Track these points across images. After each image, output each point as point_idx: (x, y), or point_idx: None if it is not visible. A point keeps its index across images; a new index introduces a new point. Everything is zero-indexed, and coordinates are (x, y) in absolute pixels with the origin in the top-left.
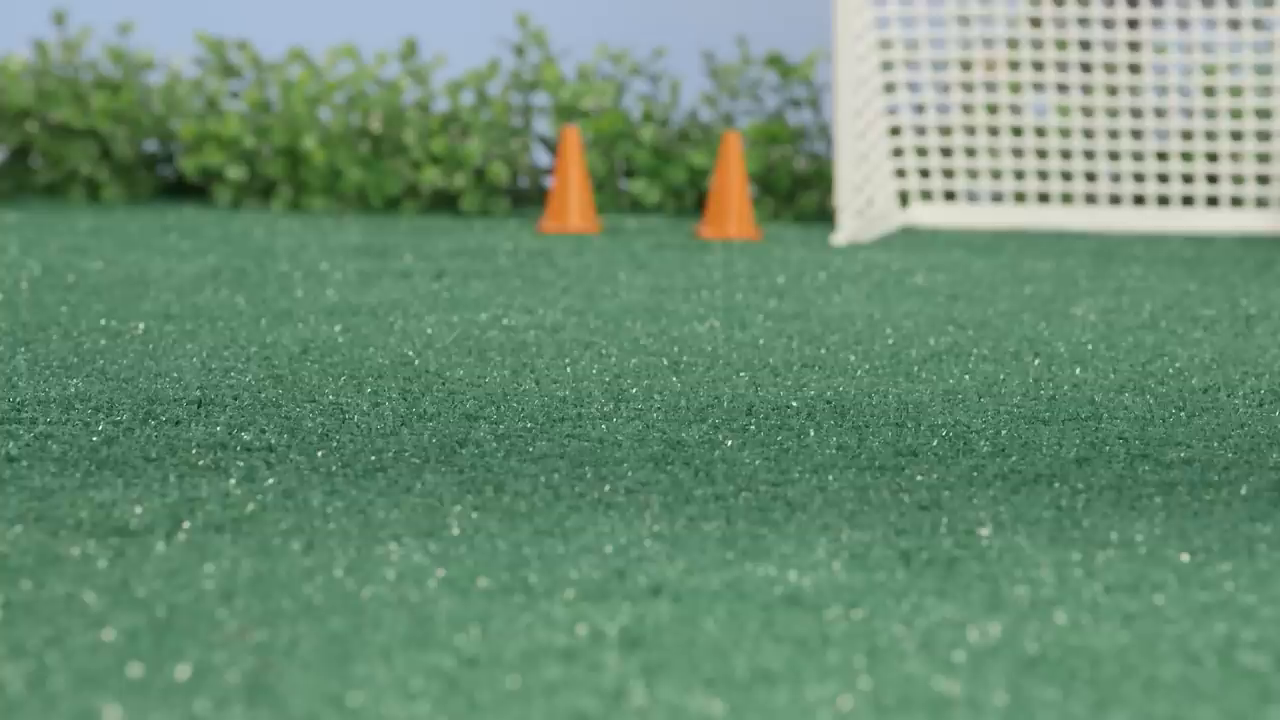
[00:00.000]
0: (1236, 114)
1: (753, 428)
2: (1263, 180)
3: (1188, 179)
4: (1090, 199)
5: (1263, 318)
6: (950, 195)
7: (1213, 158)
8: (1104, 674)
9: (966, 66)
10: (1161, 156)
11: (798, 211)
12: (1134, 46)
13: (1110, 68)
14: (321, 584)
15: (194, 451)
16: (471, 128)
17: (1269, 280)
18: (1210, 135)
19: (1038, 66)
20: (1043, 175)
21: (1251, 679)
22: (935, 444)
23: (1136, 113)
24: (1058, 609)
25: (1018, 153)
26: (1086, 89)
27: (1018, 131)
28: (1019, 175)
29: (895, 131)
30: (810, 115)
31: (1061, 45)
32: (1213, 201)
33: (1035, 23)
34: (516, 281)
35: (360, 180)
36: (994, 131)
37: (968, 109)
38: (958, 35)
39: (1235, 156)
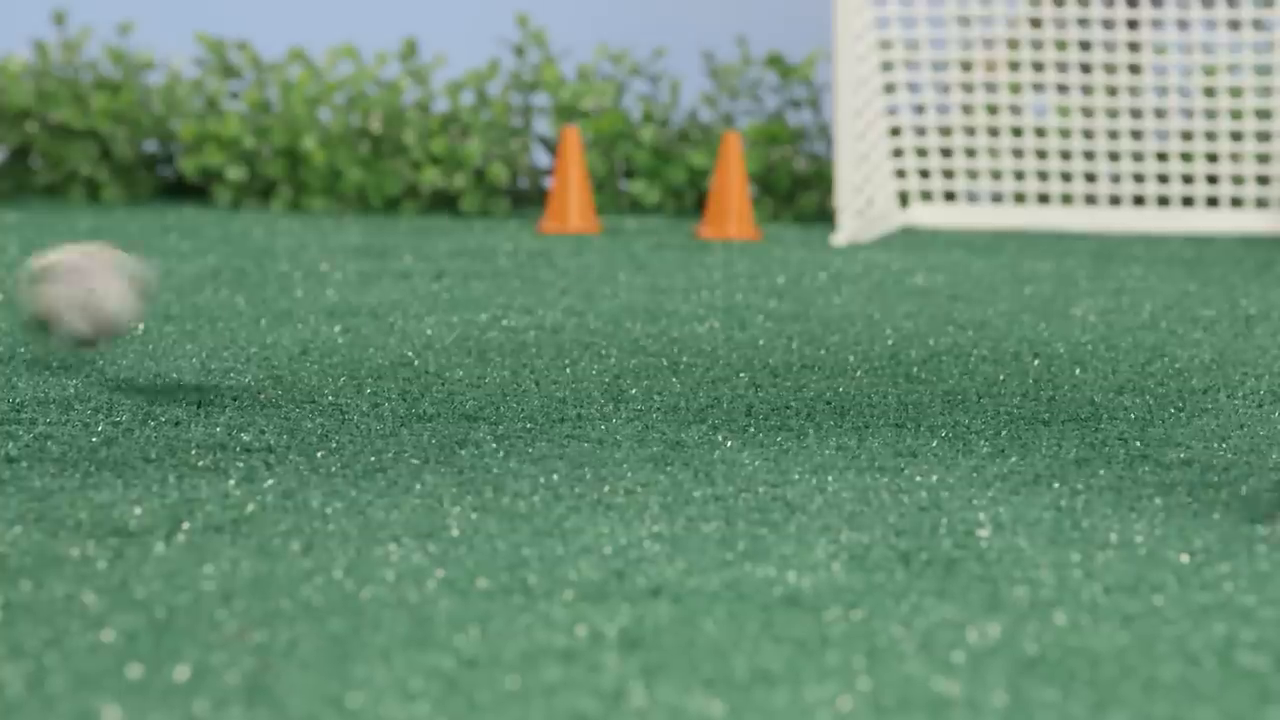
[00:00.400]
0: (1236, 114)
1: (752, 428)
2: (1263, 181)
3: (1188, 179)
4: (1090, 199)
5: (1262, 318)
6: (950, 196)
7: (1213, 158)
8: (1103, 675)
9: (967, 67)
10: (1161, 157)
11: (798, 212)
12: (1134, 47)
13: (1110, 68)
14: (321, 585)
15: (193, 452)
16: (471, 128)
17: (1269, 281)
18: (1210, 136)
19: (1038, 67)
20: (1043, 176)
21: (1251, 680)
22: (935, 445)
23: (1136, 113)
24: (1057, 610)
25: (1018, 153)
26: (1086, 89)
27: (1018, 132)
28: (1019, 176)
29: (895, 132)
30: (810, 115)
31: (1061, 46)
32: (1212, 202)
33: (1035, 23)
34: (516, 282)
35: (360, 181)
36: (994, 132)
37: (968, 109)
38: (958, 35)
39: (1235, 157)
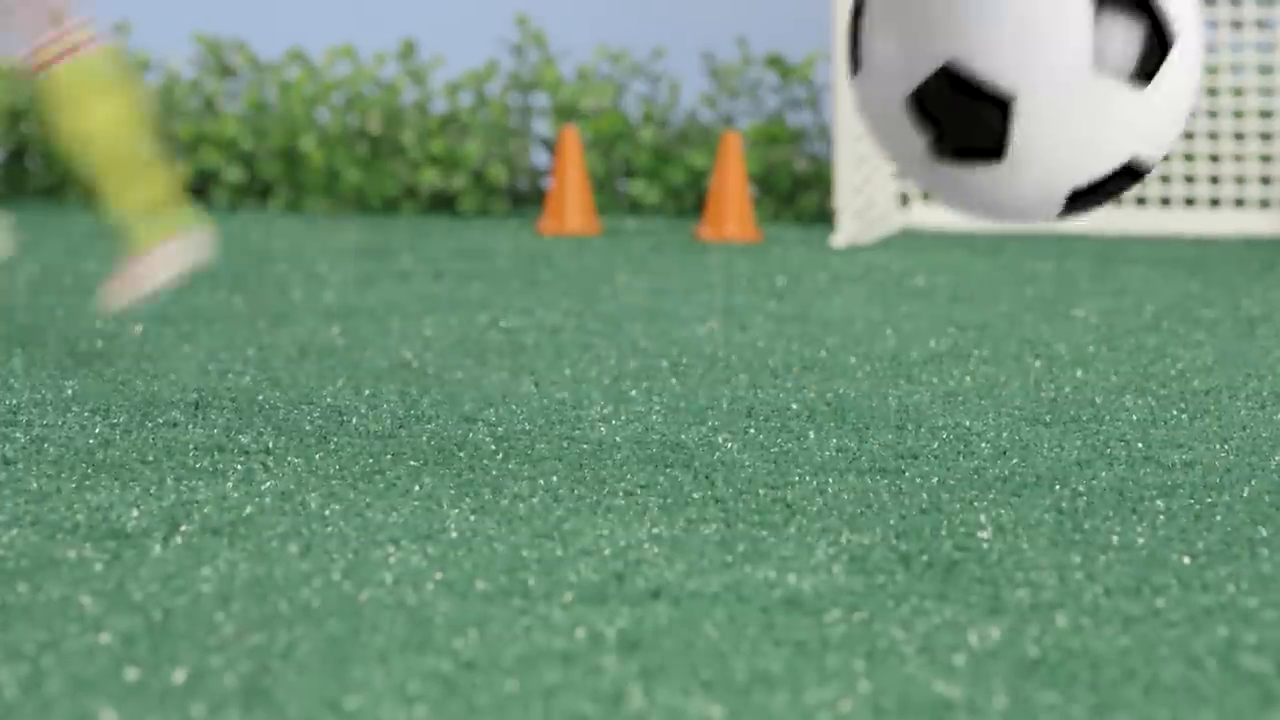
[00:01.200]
0: (1239, 114)
1: (752, 430)
2: (1265, 181)
3: (1190, 180)
4: None
5: (1265, 319)
6: None
7: (1215, 159)
8: (1105, 677)
9: None
10: (1163, 157)
11: (798, 212)
12: None
13: None
14: (319, 587)
15: (191, 454)
16: (470, 128)
17: (1271, 282)
18: (1213, 136)
19: None
20: None
21: (1253, 682)
22: (935, 446)
23: None
24: (1058, 612)
25: None
26: None
27: None
28: None
29: None
30: (810, 116)
31: None
32: (1215, 203)
33: None
34: (515, 283)
35: (358, 181)
36: None
37: None
38: None
39: (1238, 157)
